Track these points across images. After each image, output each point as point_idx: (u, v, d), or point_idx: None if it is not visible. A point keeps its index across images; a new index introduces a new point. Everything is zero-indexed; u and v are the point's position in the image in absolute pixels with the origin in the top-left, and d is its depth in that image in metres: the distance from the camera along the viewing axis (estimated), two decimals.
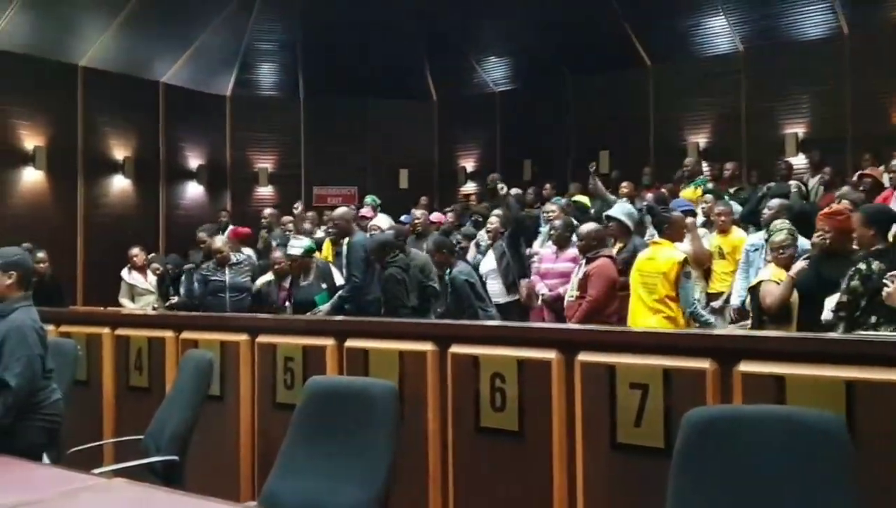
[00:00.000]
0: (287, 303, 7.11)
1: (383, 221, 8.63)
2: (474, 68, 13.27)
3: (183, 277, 8.11)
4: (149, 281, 8.58)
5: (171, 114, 12.43)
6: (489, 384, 3.62)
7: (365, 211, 9.63)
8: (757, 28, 10.75)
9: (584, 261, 5.90)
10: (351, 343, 4.16)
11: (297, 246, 7.05)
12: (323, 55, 12.72)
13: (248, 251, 8.20)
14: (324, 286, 6.85)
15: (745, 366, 3.02)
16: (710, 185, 8.61)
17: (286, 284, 7.14)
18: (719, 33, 11.02)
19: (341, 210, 7.49)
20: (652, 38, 11.52)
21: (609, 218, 6.47)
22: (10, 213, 10.21)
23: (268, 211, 10.06)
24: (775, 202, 6.33)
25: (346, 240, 7.01)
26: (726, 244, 6.65)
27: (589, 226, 6.16)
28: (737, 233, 6.77)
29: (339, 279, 7.03)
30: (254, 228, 9.65)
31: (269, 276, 7.35)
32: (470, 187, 13.49)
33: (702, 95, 11.40)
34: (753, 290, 5.08)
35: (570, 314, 5.84)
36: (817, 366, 2.88)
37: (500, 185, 7.85)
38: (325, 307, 6.67)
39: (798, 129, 10.61)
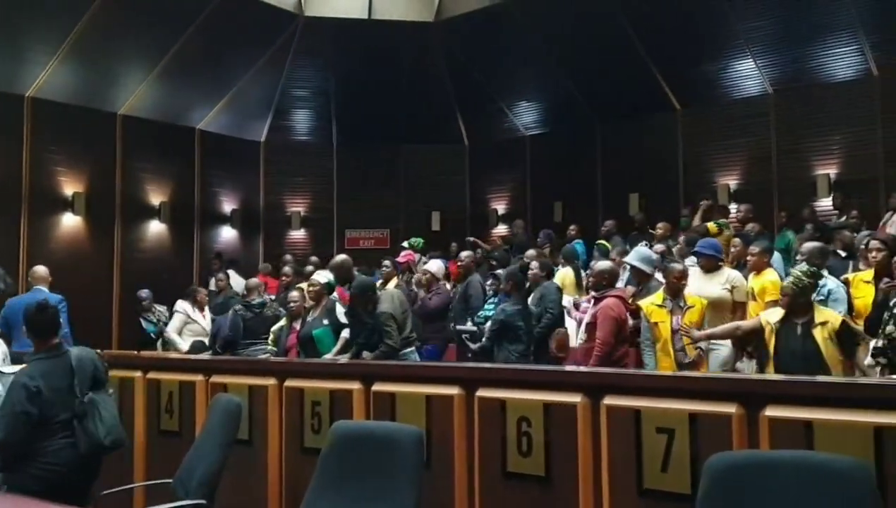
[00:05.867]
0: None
1: (435, 266, 8.17)
2: (505, 113, 13.39)
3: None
4: (206, 318, 8.62)
5: (207, 159, 12.69)
6: (516, 428, 3.61)
7: (405, 256, 9.04)
8: (786, 70, 10.74)
9: (592, 302, 5.80)
10: (378, 387, 4.18)
11: (324, 275, 7.08)
12: (355, 101, 12.93)
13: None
14: (325, 322, 6.69)
15: (772, 411, 2.99)
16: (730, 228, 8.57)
17: (297, 325, 6.93)
18: (748, 76, 11.03)
19: (340, 257, 7.01)
20: (681, 82, 11.56)
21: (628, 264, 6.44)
22: (51, 258, 10.34)
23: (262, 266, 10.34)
24: (808, 246, 6.27)
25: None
26: (757, 285, 6.34)
27: (603, 264, 6.10)
28: (770, 275, 6.57)
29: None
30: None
31: (282, 321, 7.17)
32: (501, 229, 13.53)
33: (732, 138, 11.37)
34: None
35: (577, 358, 5.70)
36: (846, 412, 2.85)
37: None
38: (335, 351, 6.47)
39: (830, 170, 10.53)
